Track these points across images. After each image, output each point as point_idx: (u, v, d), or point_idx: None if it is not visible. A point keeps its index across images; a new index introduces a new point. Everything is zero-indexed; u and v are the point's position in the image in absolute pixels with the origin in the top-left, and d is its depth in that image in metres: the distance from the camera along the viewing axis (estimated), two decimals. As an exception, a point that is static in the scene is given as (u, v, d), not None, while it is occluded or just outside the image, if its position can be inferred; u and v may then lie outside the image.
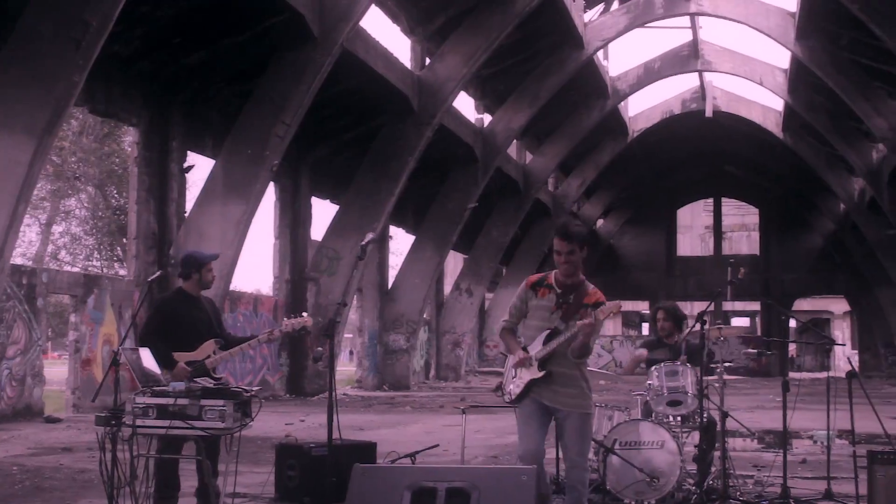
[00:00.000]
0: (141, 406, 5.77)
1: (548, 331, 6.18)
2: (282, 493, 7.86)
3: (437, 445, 8.49)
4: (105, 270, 28.86)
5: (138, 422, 5.73)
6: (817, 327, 42.73)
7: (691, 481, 7.80)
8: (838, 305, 53.41)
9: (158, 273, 7.57)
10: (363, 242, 6.25)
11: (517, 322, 6.45)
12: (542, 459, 6.10)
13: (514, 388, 6.26)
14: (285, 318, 6.91)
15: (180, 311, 7.09)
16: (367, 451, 8.04)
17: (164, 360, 6.85)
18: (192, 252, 7.58)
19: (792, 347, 51.68)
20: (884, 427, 8.12)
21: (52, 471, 10.07)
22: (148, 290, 6.79)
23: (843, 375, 7.96)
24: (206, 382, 5.94)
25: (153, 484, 6.67)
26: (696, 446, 7.96)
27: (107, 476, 5.69)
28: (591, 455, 7.86)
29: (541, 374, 6.12)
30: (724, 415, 7.78)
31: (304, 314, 6.96)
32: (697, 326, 7.74)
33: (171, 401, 5.73)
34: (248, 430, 15.18)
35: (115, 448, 5.71)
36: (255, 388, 6.04)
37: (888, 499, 7.07)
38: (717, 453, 7.85)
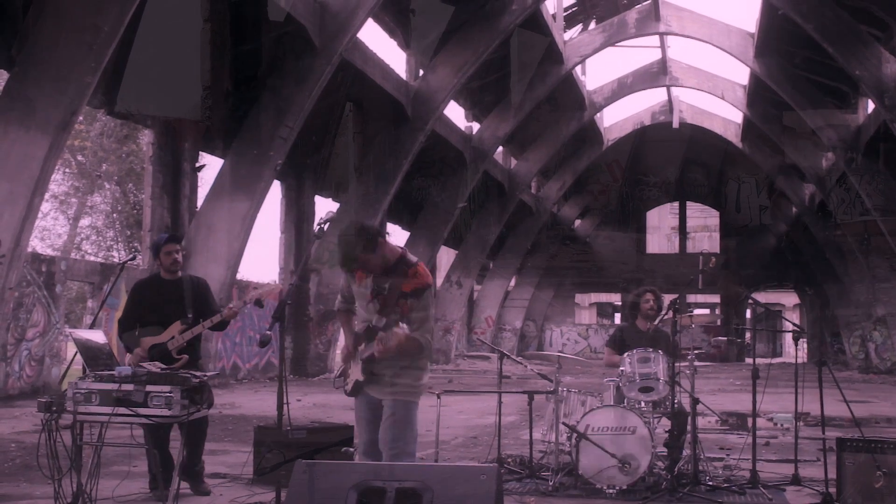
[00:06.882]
0: (83, 391, 4.79)
1: (367, 326, 5.00)
2: (259, 474, 7.05)
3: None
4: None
5: (80, 408, 4.77)
6: (771, 318, 42.02)
7: (662, 465, 7.04)
8: (789, 298, 52.78)
9: (131, 256, 6.79)
10: (320, 222, 5.33)
11: (351, 304, 5.26)
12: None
13: (349, 382, 5.13)
14: (252, 289, 5.95)
15: (147, 294, 6.29)
16: (344, 433, 7.25)
17: (132, 344, 6.04)
18: (156, 237, 6.69)
19: (747, 335, 51.10)
20: (852, 413, 7.35)
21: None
22: (120, 271, 5.93)
23: (798, 362, 7.24)
24: (153, 367, 5.01)
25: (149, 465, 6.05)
26: (667, 431, 7.20)
27: (49, 463, 4.85)
28: (563, 439, 7.11)
29: (363, 377, 4.98)
30: (695, 401, 7.00)
31: (273, 282, 6.04)
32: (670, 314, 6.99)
33: (114, 386, 4.76)
34: (247, 410, 14.32)
35: (59, 435, 4.85)
36: (207, 375, 5.15)
37: (857, 486, 6.33)
38: (687, 438, 7.09)
